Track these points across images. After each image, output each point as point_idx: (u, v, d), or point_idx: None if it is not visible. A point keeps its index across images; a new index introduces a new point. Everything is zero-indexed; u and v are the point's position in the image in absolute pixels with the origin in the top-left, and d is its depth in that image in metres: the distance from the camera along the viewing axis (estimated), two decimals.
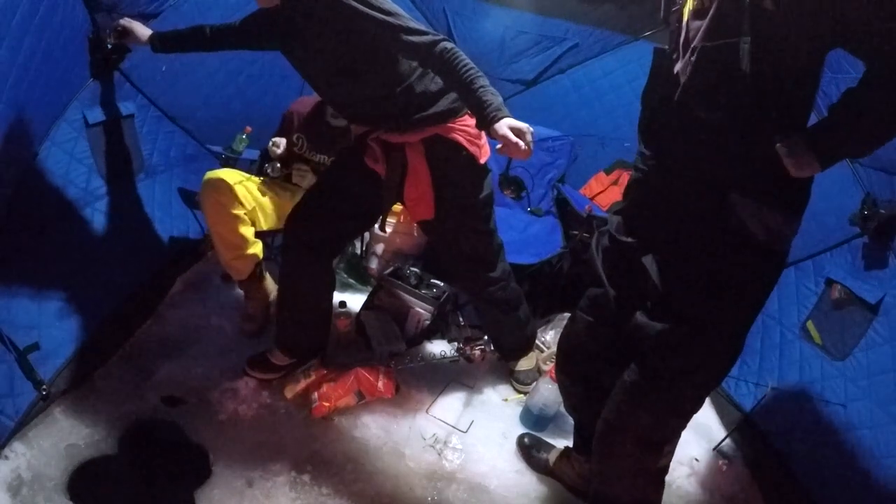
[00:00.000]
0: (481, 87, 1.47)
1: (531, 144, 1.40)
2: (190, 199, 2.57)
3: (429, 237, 2.02)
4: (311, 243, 1.96)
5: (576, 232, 2.79)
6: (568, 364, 1.66)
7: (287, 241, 1.99)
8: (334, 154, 2.30)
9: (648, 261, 1.34)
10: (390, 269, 2.59)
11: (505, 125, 1.41)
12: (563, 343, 1.69)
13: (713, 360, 1.32)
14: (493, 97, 1.46)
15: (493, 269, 2.03)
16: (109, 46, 1.88)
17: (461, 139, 1.75)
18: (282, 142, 2.36)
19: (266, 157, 2.42)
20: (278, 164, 2.35)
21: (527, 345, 2.32)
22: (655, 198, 1.33)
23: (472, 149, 1.77)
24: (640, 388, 1.37)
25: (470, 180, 1.85)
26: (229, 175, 2.20)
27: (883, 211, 1.82)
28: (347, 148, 1.98)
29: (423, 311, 2.41)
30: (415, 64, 1.66)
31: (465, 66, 1.49)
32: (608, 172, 3.29)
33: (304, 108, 2.41)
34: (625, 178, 3.18)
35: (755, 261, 1.21)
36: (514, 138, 1.39)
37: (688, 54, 1.19)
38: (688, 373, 1.32)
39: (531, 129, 1.41)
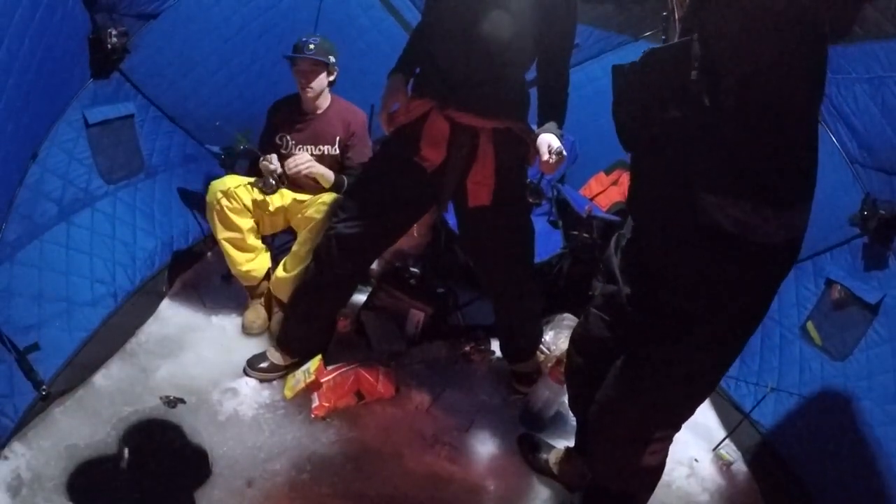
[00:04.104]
0: (561, 111, 1.77)
1: (554, 163, 1.59)
2: (190, 198, 2.57)
3: (469, 229, 2.02)
4: (346, 274, 2.02)
5: (576, 232, 2.79)
6: (580, 360, 1.66)
7: (321, 267, 1.98)
8: (317, 143, 2.31)
9: (644, 256, 1.36)
10: (391, 269, 2.59)
11: (545, 138, 1.63)
12: (576, 338, 1.68)
13: (698, 357, 1.30)
14: (558, 119, 1.73)
15: (530, 264, 2.10)
16: (109, 46, 1.88)
17: (524, 136, 1.82)
18: (273, 158, 2.26)
19: (255, 162, 2.32)
20: (272, 181, 2.25)
21: (537, 345, 2.33)
22: (641, 196, 1.36)
23: (529, 148, 1.83)
24: (627, 378, 1.39)
25: (521, 175, 1.97)
26: (232, 182, 2.19)
27: (883, 211, 1.82)
28: (380, 156, 1.99)
29: (422, 311, 2.41)
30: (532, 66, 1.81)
31: (565, 96, 1.80)
32: (608, 173, 3.28)
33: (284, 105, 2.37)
34: (624, 178, 3.18)
35: (732, 254, 1.17)
36: (543, 149, 1.60)
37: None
38: (669, 366, 1.31)
39: (563, 154, 1.59)
